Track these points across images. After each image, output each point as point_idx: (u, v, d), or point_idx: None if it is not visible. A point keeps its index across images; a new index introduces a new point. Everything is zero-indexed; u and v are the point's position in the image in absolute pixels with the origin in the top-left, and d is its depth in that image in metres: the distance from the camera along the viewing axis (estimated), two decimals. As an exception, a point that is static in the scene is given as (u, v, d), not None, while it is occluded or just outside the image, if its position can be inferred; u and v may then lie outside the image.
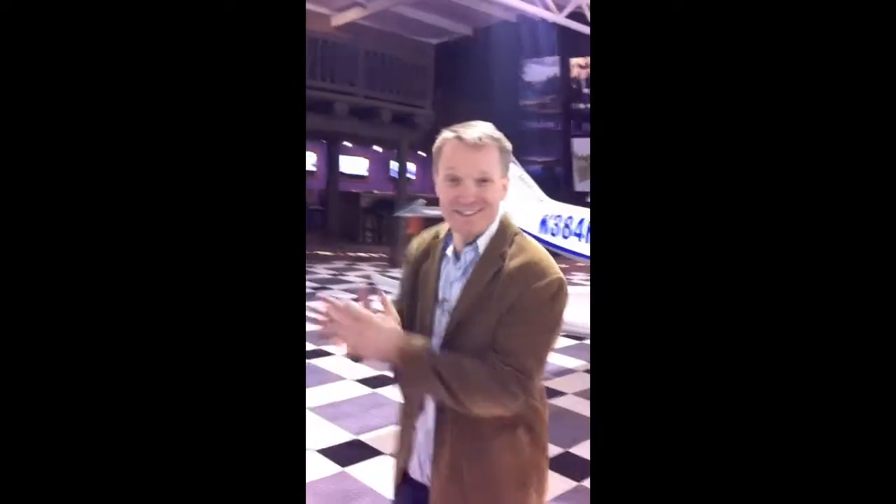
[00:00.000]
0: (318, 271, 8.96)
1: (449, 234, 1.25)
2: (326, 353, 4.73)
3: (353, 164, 15.28)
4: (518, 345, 1.11)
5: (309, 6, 10.98)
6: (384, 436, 3.31)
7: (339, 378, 4.32)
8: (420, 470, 1.25)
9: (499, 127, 1.22)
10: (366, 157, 15.76)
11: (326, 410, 3.70)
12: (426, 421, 1.23)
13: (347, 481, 2.86)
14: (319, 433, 3.38)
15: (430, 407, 1.21)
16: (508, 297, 1.12)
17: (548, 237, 6.37)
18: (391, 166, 15.68)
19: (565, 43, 11.86)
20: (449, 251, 1.24)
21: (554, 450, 3.25)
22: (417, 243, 1.31)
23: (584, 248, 5.91)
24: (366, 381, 4.28)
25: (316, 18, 9.82)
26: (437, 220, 1.32)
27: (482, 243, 1.19)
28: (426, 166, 15.82)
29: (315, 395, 3.91)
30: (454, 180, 1.15)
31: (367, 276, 8.71)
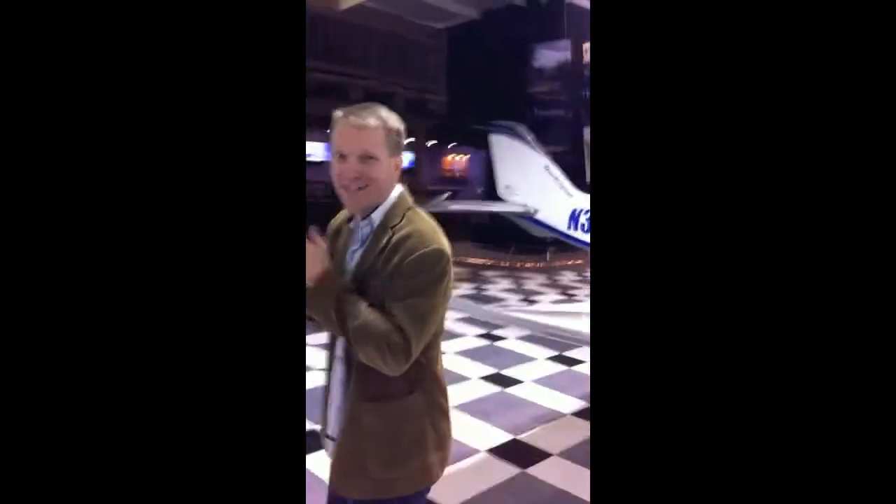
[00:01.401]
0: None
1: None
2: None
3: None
4: (398, 309, 1.20)
5: (311, -11, 10.48)
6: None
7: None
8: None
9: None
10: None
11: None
12: (337, 383, 1.35)
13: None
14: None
15: (340, 368, 1.34)
16: (392, 265, 1.23)
17: (578, 234, 5.94)
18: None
19: (577, 26, 11.35)
20: (352, 225, 1.36)
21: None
22: (333, 223, 1.42)
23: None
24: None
25: (322, 2, 9.28)
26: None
27: (377, 217, 1.30)
28: (434, 156, 15.26)
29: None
30: (342, 157, 1.26)
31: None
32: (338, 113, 1.29)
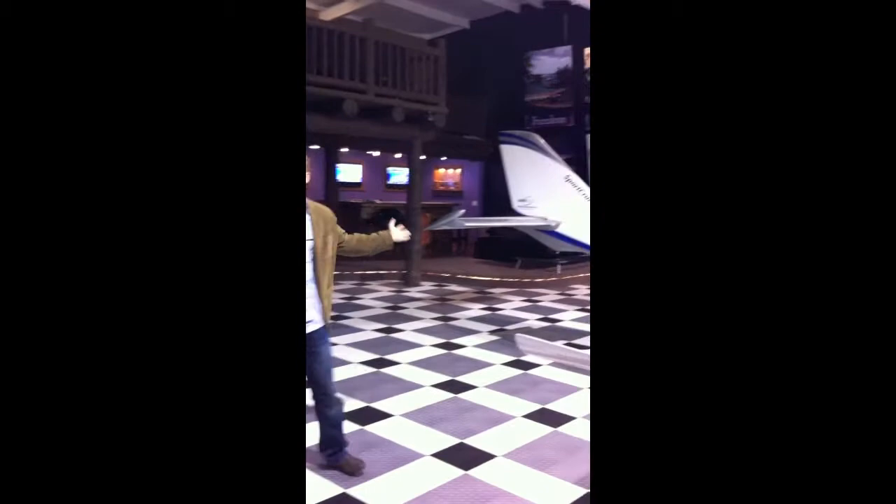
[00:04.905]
0: (328, 294, 7.98)
1: None
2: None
3: (348, 171, 14.18)
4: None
5: None
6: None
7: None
8: None
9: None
10: (359, 163, 14.70)
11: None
12: None
13: None
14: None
15: None
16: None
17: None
18: (388, 172, 14.73)
19: (578, 32, 11.01)
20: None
21: None
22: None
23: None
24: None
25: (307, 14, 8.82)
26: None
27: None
28: (430, 170, 14.80)
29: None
30: None
31: (386, 299, 7.74)
32: None
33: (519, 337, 5.54)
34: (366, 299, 7.71)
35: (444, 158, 14.94)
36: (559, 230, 5.98)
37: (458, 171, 15.78)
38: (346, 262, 11.83)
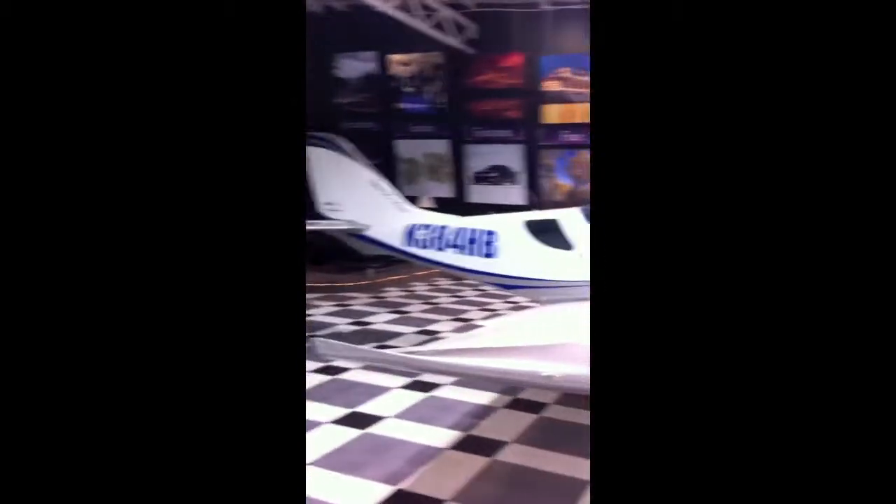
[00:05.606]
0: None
1: None
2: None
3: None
4: None
5: None
6: None
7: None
8: None
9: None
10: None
11: None
12: None
13: None
14: None
15: None
16: None
17: (416, 250, 5.65)
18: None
19: (383, 39, 11.18)
20: None
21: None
22: None
23: (464, 261, 5.30)
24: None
25: None
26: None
27: None
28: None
29: None
30: None
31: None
32: None
33: (320, 342, 5.46)
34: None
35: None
36: (368, 234, 6.02)
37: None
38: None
